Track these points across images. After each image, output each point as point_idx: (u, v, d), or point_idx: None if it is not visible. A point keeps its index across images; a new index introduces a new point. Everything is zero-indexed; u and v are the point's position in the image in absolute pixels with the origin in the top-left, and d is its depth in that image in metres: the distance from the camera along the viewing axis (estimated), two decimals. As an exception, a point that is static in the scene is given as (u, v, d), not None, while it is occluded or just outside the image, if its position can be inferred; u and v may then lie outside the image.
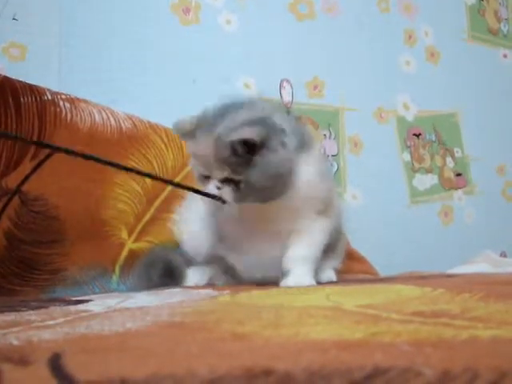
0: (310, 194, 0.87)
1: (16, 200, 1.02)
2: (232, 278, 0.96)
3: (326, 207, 0.90)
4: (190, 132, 0.84)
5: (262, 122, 0.81)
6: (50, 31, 1.26)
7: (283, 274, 0.86)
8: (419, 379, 0.27)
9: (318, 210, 0.89)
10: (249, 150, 0.78)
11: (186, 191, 1.17)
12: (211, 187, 0.81)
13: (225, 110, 0.83)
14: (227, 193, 0.81)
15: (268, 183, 0.81)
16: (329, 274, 1.05)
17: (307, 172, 0.86)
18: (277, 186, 0.82)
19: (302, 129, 0.94)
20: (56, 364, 0.34)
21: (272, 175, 0.81)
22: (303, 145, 0.87)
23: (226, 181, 0.81)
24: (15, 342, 0.42)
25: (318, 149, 0.94)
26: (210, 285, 0.94)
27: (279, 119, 0.84)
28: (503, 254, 1.78)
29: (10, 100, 1.04)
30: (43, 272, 1.03)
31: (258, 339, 0.40)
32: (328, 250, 0.93)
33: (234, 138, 0.77)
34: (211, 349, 0.38)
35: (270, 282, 0.89)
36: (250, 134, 0.78)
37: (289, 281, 0.85)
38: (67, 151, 0.80)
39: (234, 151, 0.78)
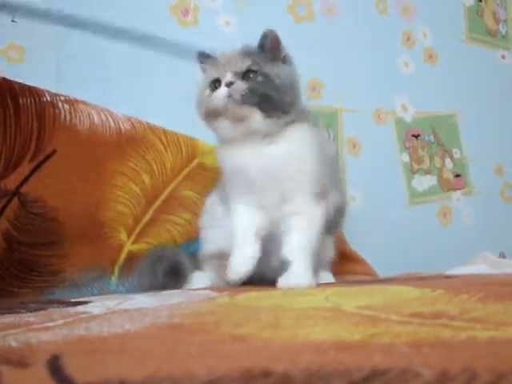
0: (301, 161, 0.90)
1: (15, 201, 1.02)
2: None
3: (321, 191, 0.91)
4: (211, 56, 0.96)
5: None
6: (49, 33, 1.26)
7: (282, 266, 0.86)
8: (417, 380, 0.27)
9: (312, 191, 0.89)
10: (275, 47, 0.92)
11: (185, 194, 1.18)
12: (223, 86, 0.87)
13: None
14: (238, 85, 0.86)
15: (282, 86, 0.89)
16: (327, 276, 1.05)
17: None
18: (286, 97, 0.89)
19: None
20: (55, 366, 0.34)
21: (288, 82, 0.91)
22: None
23: (243, 74, 0.88)
24: (14, 344, 0.42)
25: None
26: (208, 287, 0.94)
27: None
28: (502, 255, 1.78)
29: (9, 101, 1.04)
30: (42, 274, 1.03)
31: (257, 341, 0.40)
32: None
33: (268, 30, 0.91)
34: (210, 350, 0.38)
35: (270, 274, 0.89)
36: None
37: (289, 279, 0.84)
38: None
39: (262, 45, 0.91)
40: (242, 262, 0.89)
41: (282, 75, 0.90)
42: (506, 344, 0.35)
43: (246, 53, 0.90)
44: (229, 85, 0.86)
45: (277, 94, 0.88)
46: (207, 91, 0.91)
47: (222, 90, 0.87)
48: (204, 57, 0.97)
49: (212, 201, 1.05)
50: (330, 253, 1.09)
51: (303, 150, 0.90)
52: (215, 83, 0.90)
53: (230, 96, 0.86)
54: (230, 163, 0.92)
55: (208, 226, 1.04)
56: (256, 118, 0.87)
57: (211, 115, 0.90)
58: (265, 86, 0.87)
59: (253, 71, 0.88)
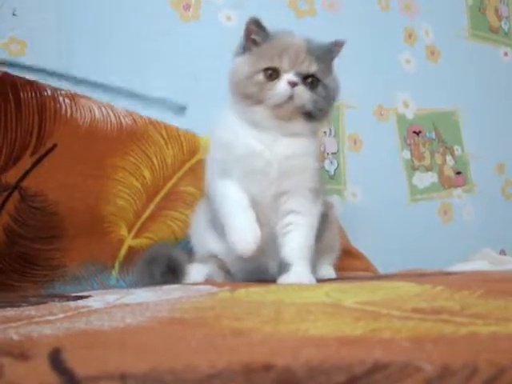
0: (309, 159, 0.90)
1: (16, 195, 1.02)
2: (228, 274, 0.97)
3: (317, 190, 0.90)
4: (267, 33, 0.89)
5: None
6: (50, 27, 1.25)
7: (282, 267, 0.86)
8: (419, 374, 0.27)
9: (310, 188, 0.89)
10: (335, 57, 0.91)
11: (186, 190, 1.18)
12: (284, 81, 0.83)
13: None
14: (302, 90, 0.84)
15: (334, 100, 0.90)
16: (328, 271, 1.05)
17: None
18: (331, 107, 0.90)
19: None
20: (56, 359, 0.34)
21: (337, 94, 0.91)
22: None
23: (306, 77, 0.85)
24: (15, 337, 0.42)
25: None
26: (208, 281, 0.94)
27: None
28: (502, 252, 1.79)
29: (10, 95, 1.04)
30: (42, 268, 1.03)
31: (258, 335, 0.40)
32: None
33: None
34: (211, 344, 0.38)
35: (262, 275, 0.89)
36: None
37: (289, 278, 0.84)
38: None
39: (330, 51, 0.90)
40: (250, 228, 0.84)
41: (335, 88, 0.90)
42: (507, 339, 0.35)
43: (314, 54, 0.86)
44: (292, 85, 0.83)
45: (328, 107, 0.89)
46: (261, 76, 0.85)
47: (284, 88, 0.83)
48: (257, 26, 0.89)
49: (199, 210, 1.05)
50: (334, 248, 1.09)
51: (312, 146, 0.90)
52: (270, 71, 0.85)
53: (291, 97, 0.84)
54: (242, 147, 0.88)
55: (197, 234, 1.04)
56: (300, 123, 0.87)
57: (252, 100, 0.86)
58: (324, 100, 0.87)
59: (317, 79, 0.86)
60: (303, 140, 0.89)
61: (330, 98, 0.88)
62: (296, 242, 0.87)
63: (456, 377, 0.27)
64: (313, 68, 0.85)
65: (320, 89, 0.86)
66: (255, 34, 0.89)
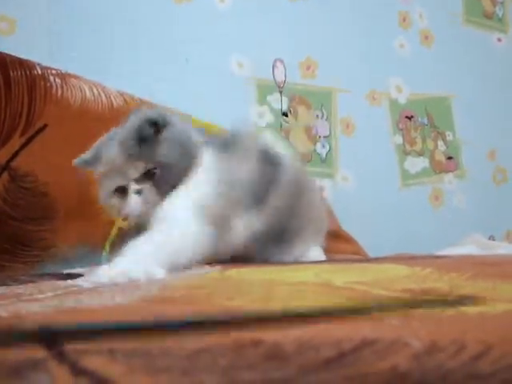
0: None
1: (5, 176, 1.01)
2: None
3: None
4: (92, 158, 0.85)
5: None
6: (40, 5, 1.24)
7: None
8: (407, 350, 0.28)
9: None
10: (153, 131, 0.80)
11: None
12: (133, 195, 0.80)
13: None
14: (149, 190, 0.81)
15: (177, 156, 0.82)
16: (316, 253, 1.05)
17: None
18: (185, 158, 0.83)
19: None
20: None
21: (179, 145, 0.83)
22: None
23: (143, 177, 0.81)
24: (3, 314, 0.41)
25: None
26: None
27: None
28: (491, 238, 1.80)
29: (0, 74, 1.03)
30: (33, 248, 1.03)
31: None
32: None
33: (137, 123, 0.80)
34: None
35: None
36: (150, 114, 0.81)
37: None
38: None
39: (140, 138, 0.79)
40: None
41: (172, 151, 0.82)
42: (494, 318, 0.35)
43: (132, 155, 0.80)
44: (139, 192, 0.80)
45: (175, 174, 0.82)
46: (114, 200, 0.84)
47: (134, 201, 0.80)
48: (86, 164, 0.87)
49: None
50: (320, 229, 1.08)
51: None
52: (119, 190, 0.83)
53: (144, 203, 0.80)
54: None
55: None
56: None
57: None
58: (167, 175, 0.81)
59: (149, 173, 0.81)
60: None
61: (172, 166, 0.82)
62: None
63: (444, 353, 0.27)
64: (141, 168, 0.81)
65: (157, 171, 0.81)
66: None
